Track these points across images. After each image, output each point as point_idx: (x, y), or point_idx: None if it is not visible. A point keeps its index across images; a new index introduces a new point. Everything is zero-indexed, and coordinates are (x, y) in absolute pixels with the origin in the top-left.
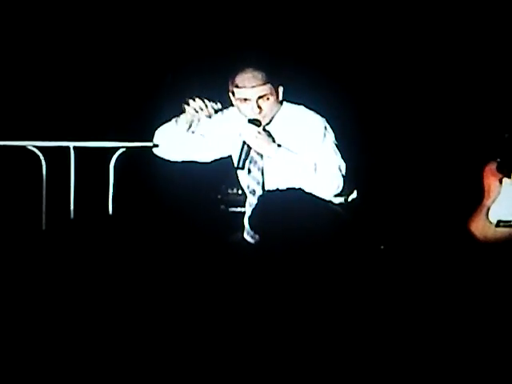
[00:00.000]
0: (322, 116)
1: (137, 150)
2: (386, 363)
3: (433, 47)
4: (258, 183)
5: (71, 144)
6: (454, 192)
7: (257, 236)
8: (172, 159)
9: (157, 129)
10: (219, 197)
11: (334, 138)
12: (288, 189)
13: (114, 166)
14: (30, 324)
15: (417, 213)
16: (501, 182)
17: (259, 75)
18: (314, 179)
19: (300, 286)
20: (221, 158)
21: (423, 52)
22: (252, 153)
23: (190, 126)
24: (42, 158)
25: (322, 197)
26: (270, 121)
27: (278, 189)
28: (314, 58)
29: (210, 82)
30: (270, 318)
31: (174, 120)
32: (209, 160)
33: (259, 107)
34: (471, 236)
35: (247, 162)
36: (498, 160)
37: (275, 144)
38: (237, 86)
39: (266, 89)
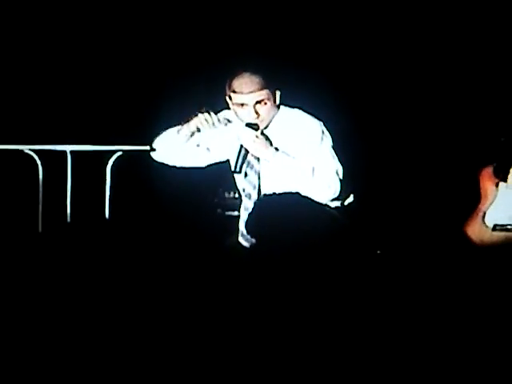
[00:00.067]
0: (320, 120)
1: (133, 154)
2: (384, 368)
3: (430, 51)
4: (254, 187)
5: (68, 148)
6: (450, 196)
7: (252, 240)
8: (170, 164)
9: (154, 132)
10: (216, 200)
11: (331, 142)
12: (285, 193)
13: (111, 170)
14: (27, 327)
15: (413, 217)
16: (497, 186)
17: (256, 80)
18: (311, 183)
19: (296, 291)
20: (217, 163)
21: (421, 55)
22: (249, 156)
23: (191, 136)
24: (38, 161)
25: (319, 201)
26: (268, 125)
27: (274, 193)
28: (311, 62)
29: (207, 86)
30: (266, 323)
31: (176, 128)
32: (204, 165)
33: (256, 112)
34: (468, 240)
35: (244, 165)
36: (495, 164)
37: (273, 148)
38: (234, 91)
39: (263, 94)
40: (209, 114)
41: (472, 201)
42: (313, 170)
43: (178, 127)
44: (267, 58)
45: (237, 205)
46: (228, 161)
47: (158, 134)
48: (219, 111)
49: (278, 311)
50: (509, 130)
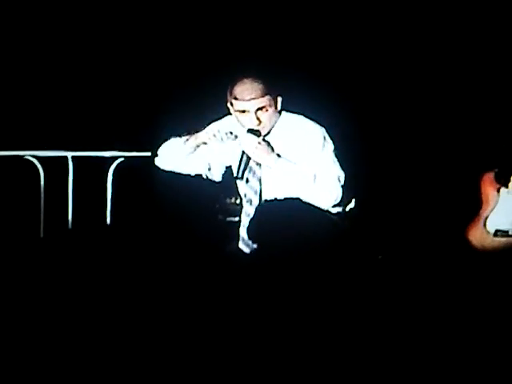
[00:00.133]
0: (322, 125)
1: (135, 160)
2: (386, 371)
3: (432, 55)
4: (256, 193)
5: (69, 154)
6: (451, 201)
7: (253, 245)
8: (173, 171)
9: (155, 139)
10: (217, 206)
11: (333, 148)
12: (286, 199)
13: (113, 176)
14: (28, 331)
15: (415, 222)
16: (498, 191)
17: (257, 87)
18: (312, 190)
19: (297, 297)
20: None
21: (423, 60)
22: (251, 162)
23: (197, 148)
24: (40, 167)
25: (321, 207)
26: (270, 131)
27: (276, 198)
28: (313, 68)
29: (209, 92)
30: (269, 328)
31: (182, 139)
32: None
33: (258, 119)
34: (469, 245)
35: (246, 171)
36: (496, 170)
37: (275, 154)
38: (235, 98)
39: (264, 101)
40: (215, 129)
41: (473, 206)
42: (314, 176)
43: (185, 138)
44: (269, 63)
45: (238, 210)
46: (230, 167)
47: (159, 140)
48: (221, 117)
49: (279, 316)
50: (510, 136)
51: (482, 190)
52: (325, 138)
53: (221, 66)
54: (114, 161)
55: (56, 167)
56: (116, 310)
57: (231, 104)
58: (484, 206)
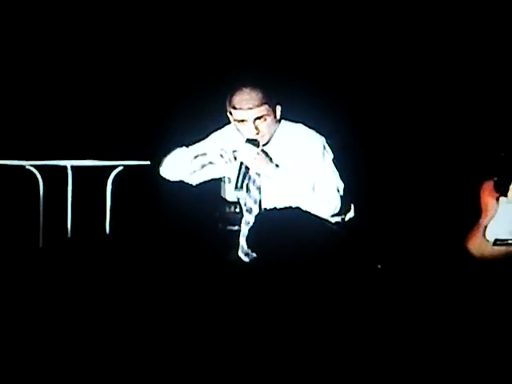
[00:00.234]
0: (322, 135)
1: (134, 169)
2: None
3: (430, 64)
4: (256, 202)
5: (68, 163)
6: (451, 210)
7: (253, 254)
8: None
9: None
10: (217, 215)
11: (332, 158)
12: (285, 208)
13: (112, 185)
14: (28, 341)
15: (414, 231)
16: (497, 200)
17: (256, 96)
18: (311, 199)
19: (296, 306)
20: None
21: (422, 68)
22: (250, 172)
23: (203, 167)
24: (39, 176)
25: (320, 216)
26: (269, 140)
27: (275, 207)
28: (312, 76)
29: (208, 101)
30: (268, 337)
31: (190, 155)
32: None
33: (256, 128)
34: (468, 254)
35: (245, 182)
36: (495, 179)
37: (273, 164)
38: (234, 107)
39: (262, 110)
40: (224, 151)
41: (473, 215)
42: (313, 186)
43: (192, 154)
44: (268, 72)
45: (237, 219)
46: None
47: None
48: (221, 127)
49: (278, 325)
50: (509, 145)
51: (482, 198)
52: (324, 147)
53: (220, 74)
54: (113, 170)
55: (55, 176)
56: (116, 320)
57: (230, 113)
58: (483, 215)
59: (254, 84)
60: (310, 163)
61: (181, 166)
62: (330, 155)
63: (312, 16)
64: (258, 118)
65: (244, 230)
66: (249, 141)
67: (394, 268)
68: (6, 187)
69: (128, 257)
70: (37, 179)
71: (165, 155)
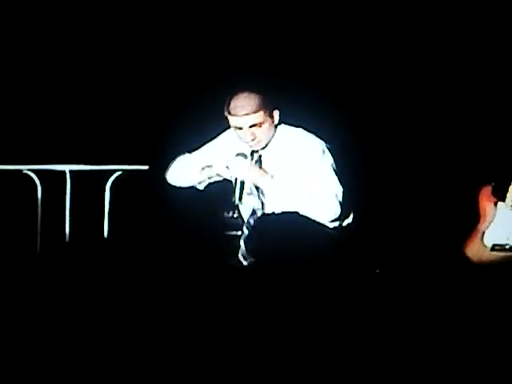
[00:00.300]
0: (322, 139)
1: (133, 174)
2: None
3: (429, 67)
4: (258, 208)
5: (67, 167)
6: (449, 215)
7: (250, 258)
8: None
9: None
10: (215, 220)
11: (332, 162)
12: (283, 212)
13: (110, 190)
14: (27, 346)
15: (412, 236)
16: (496, 205)
17: (251, 102)
18: (309, 206)
19: (294, 311)
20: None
21: (420, 72)
22: (246, 184)
23: (210, 178)
24: (37, 181)
25: (318, 221)
26: (266, 145)
27: (273, 212)
28: (312, 79)
29: (207, 105)
30: (266, 341)
31: (198, 168)
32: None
33: (252, 134)
34: (466, 259)
35: (244, 194)
36: (493, 184)
37: (268, 175)
38: (230, 113)
39: (257, 117)
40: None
41: (471, 220)
42: (310, 194)
43: (198, 166)
44: (267, 76)
45: (236, 224)
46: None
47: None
48: (220, 132)
49: (276, 329)
50: (507, 150)
51: (480, 204)
52: (324, 151)
53: (220, 78)
54: (111, 174)
55: (53, 181)
56: (116, 324)
57: (227, 118)
58: (481, 220)
59: (251, 89)
60: (309, 168)
61: (189, 176)
62: (329, 160)
63: (312, 20)
64: (254, 124)
65: (246, 233)
66: (239, 154)
67: (393, 273)
68: (4, 192)
69: (126, 261)
70: (35, 184)
71: (170, 161)
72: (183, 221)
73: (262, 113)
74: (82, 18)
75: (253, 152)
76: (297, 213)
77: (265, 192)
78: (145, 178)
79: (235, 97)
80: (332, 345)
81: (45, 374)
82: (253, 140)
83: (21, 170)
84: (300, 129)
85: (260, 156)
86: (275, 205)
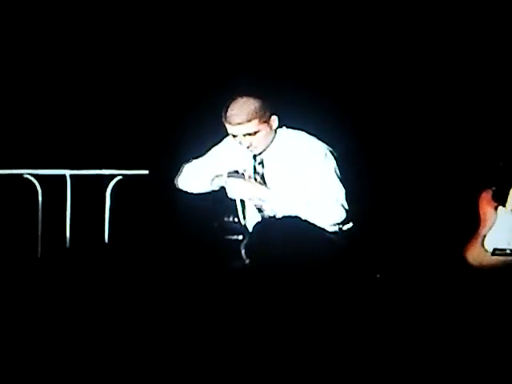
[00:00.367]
0: (325, 143)
1: (133, 178)
2: None
3: (430, 73)
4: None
5: (67, 172)
6: (449, 220)
7: (251, 263)
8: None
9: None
10: (215, 225)
11: (335, 166)
12: (284, 217)
13: (111, 195)
14: (27, 352)
15: (413, 241)
16: (496, 210)
17: (245, 110)
18: (311, 210)
19: (293, 315)
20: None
21: (421, 75)
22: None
23: (220, 186)
24: (38, 186)
25: (323, 226)
26: (264, 149)
27: (274, 216)
28: (313, 83)
29: (207, 111)
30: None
31: (209, 178)
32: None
33: (248, 141)
34: (467, 264)
35: (246, 210)
36: (493, 188)
37: (264, 187)
38: (225, 120)
39: (250, 126)
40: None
41: (471, 225)
42: (312, 198)
43: (208, 177)
44: (267, 79)
45: (236, 229)
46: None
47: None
48: (224, 137)
49: (275, 333)
50: (507, 155)
51: (480, 208)
52: (326, 154)
53: (220, 83)
54: (112, 179)
55: (54, 186)
56: (116, 329)
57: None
58: (482, 225)
59: (250, 94)
60: (311, 170)
61: (200, 185)
62: (332, 163)
63: (312, 23)
64: (248, 133)
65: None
66: (231, 175)
67: (393, 277)
68: (4, 196)
69: (127, 266)
70: (35, 188)
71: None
72: (183, 225)
73: (255, 121)
74: (82, 26)
75: (255, 156)
76: (298, 217)
77: (265, 206)
78: (145, 182)
79: (233, 103)
80: (333, 349)
81: (46, 377)
82: (249, 147)
83: (21, 175)
84: (302, 132)
85: (262, 160)
86: (278, 212)
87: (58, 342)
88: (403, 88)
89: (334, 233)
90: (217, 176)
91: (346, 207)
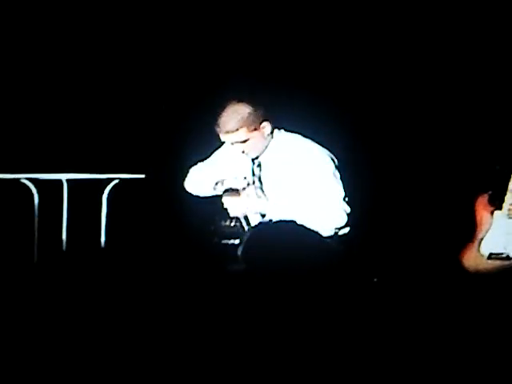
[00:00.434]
0: (323, 146)
1: (129, 182)
2: None
3: (428, 75)
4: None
5: (64, 176)
6: (445, 224)
7: (247, 267)
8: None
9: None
10: (212, 228)
11: (334, 169)
12: (280, 221)
13: (107, 199)
14: (24, 354)
15: (410, 245)
16: (492, 214)
17: (234, 119)
18: (311, 214)
19: (291, 319)
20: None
21: (417, 81)
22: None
23: (224, 190)
24: (34, 190)
25: (323, 231)
26: (259, 154)
27: (270, 220)
28: (313, 86)
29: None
30: (261, 350)
31: (213, 183)
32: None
33: (239, 148)
34: (463, 268)
35: (250, 221)
36: (490, 192)
37: (261, 199)
38: (217, 127)
39: (238, 135)
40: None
41: (467, 229)
42: (312, 201)
43: (212, 181)
44: (263, 84)
45: (233, 233)
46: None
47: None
48: (222, 143)
49: (271, 339)
50: (503, 159)
51: (476, 212)
52: (324, 157)
53: (216, 87)
54: (108, 183)
55: (50, 190)
56: (113, 332)
57: None
58: (478, 229)
59: (240, 101)
60: (309, 174)
61: (205, 189)
62: (330, 166)
63: (311, 26)
64: (237, 141)
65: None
66: (226, 192)
67: (390, 281)
68: (1, 201)
69: (123, 270)
70: (32, 192)
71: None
72: (180, 229)
73: (244, 130)
74: (80, 31)
75: (253, 159)
76: (293, 221)
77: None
78: (142, 187)
79: (225, 109)
80: (330, 353)
81: (43, 379)
82: (242, 152)
83: (18, 179)
84: (300, 135)
85: (260, 163)
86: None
87: (56, 346)
88: (401, 95)
89: (331, 237)
90: (220, 181)
91: (348, 210)
